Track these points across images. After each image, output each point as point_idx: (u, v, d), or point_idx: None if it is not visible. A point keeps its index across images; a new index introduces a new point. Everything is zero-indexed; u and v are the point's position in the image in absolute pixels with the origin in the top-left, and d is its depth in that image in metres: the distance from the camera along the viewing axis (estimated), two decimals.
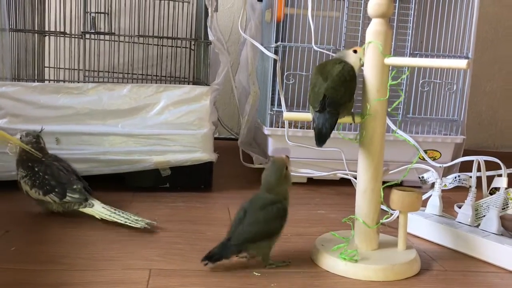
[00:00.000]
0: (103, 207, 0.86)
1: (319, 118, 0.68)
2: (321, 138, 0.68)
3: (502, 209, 0.83)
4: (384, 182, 0.74)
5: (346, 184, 1.15)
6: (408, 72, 0.75)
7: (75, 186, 0.87)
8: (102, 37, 1.17)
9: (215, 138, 1.09)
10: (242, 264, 0.71)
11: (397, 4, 1.13)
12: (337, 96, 0.68)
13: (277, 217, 0.69)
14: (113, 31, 1.11)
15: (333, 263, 0.70)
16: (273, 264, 0.70)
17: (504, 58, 1.83)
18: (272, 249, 0.70)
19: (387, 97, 0.70)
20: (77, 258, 0.70)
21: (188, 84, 1.25)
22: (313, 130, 1.10)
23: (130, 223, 0.82)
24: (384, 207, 0.76)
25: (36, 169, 0.88)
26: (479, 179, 0.88)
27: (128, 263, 0.69)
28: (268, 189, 0.70)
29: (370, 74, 0.71)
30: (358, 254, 0.70)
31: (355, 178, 0.77)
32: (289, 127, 1.12)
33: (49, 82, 1.24)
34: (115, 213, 0.85)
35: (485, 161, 0.88)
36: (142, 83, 1.24)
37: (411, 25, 1.14)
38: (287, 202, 0.71)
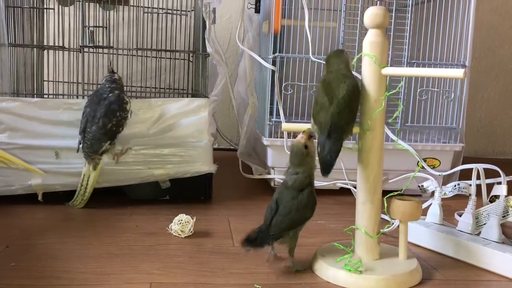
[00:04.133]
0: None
1: (325, 145, 0.68)
2: (327, 168, 0.68)
3: (503, 217, 0.83)
4: (384, 191, 0.74)
5: (346, 193, 1.15)
6: (402, 83, 0.75)
7: None
8: (100, 50, 1.18)
9: (214, 149, 1.09)
10: (242, 276, 0.71)
11: (393, 14, 1.14)
12: (341, 121, 0.68)
13: (308, 204, 0.72)
14: (111, 44, 1.11)
15: (334, 274, 0.70)
16: (293, 267, 0.73)
17: (501, 65, 1.84)
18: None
19: (382, 107, 0.70)
20: (77, 272, 0.70)
21: (187, 96, 1.25)
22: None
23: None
24: (384, 217, 0.76)
25: None
26: (478, 187, 0.88)
27: (128, 277, 0.69)
28: (294, 168, 0.72)
29: (368, 85, 0.71)
30: (362, 265, 0.70)
31: (355, 188, 0.77)
32: (288, 137, 1.12)
33: (48, 96, 1.25)
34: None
35: (484, 168, 0.88)
36: (141, 95, 1.24)
37: (408, 34, 1.15)
38: (313, 180, 0.73)
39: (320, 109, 0.69)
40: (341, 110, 0.68)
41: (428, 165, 1.13)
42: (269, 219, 0.71)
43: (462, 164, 1.10)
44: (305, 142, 0.71)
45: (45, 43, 1.22)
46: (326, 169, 0.68)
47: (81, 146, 0.94)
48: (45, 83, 1.27)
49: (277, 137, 1.16)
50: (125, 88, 1.24)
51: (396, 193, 0.75)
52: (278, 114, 1.12)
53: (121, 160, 0.98)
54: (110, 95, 0.93)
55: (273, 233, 0.70)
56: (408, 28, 1.15)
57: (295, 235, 0.72)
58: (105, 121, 0.92)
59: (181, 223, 0.86)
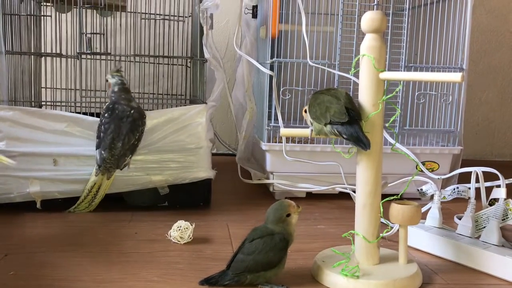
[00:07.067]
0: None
1: (348, 129, 0.69)
2: (363, 142, 0.68)
3: (502, 220, 0.83)
4: (383, 195, 0.74)
5: (345, 197, 1.15)
6: (400, 87, 0.75)
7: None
8: (98, 57, 1.18)
9: (213, 154, 1.09)
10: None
11: (390, 18, 1.14)
12: (354, 109, 0.70)
13: (275, 247, 0.68)
14: (108, 51, 1.11)
15: (334, 279, 0.70)
16: (268, 285, 0.69)
17: (498, 68, 1.84)
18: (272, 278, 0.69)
19: (379, 110, 0.71)
20: (77, 281, 0.70)
21: (185, 101, 1.25)
22: (312, 145, 1.10)
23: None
24: (384, 221, 0.76)
25: None
26: (478, 190, 0.88)
27: (128, 284, 0.69)
28: (268, 223, 0.70)
29: (365, 89, 0.71)
30: (359, 269, 0.70)
31: (354, 192, 0.77)
32: (286, 142, 1.12)
33: (46, 103, 1.25)
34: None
35: (483, 171, 0.88)
36: (138, 101, 1.24)
37: (405, 38, 1.15)
38: (291, 237, 0.70)
39: (329, 105, 0.70)
40: (351, 102, 0.71)
41: (427, 169, 1.13)
42: (233, 256, 0.69)
43: (461, 167, 1.10)
44: (294, 210, 0.69)
45: (42, 50, 1.22)
46: (364, 145, 0.68)
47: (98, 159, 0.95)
48: (43, 90, 1.27)
49: (276, 142, 1.15)
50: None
51: (394, 197, 0.75)
52: (276, 119, 1.12)
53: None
54: (132, 111, 0.95)
55: (232, 272, 0.67)
56: (405, 32, 1.15)
57: (254, 282, 0.68)
58: (130, 137, 0.94)
59: (180, 230, 0.85)
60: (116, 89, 0.96)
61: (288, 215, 0.69)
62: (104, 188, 0.97)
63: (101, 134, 0.94)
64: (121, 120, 0.94)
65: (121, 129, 0.93)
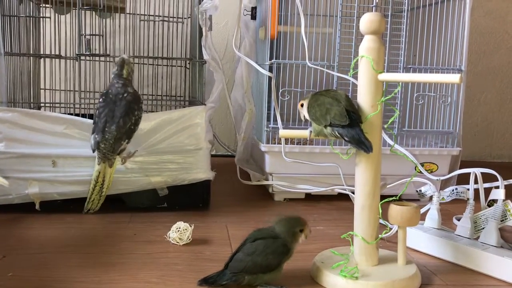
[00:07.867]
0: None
1: (349, 131, 0.69)
2: (365, 145, 0.68)
3: (501, 221, 0.83)
4: (382, 196, 0.74)
5: (344, 198, 1.15)
6: (399, 88, 0.75)
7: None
8: (97, 58, 1.18)
9: (212, 155, 1.09)
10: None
11: (389, 19, 1.14)
12: (355, 111, 0.71)
13: (276, 252, 0.67)
14: (107, 52, 1.11)
15: (333, 280, 0.70)
16: (267, 286, 0.69)
17: (496, 69, 1.84)
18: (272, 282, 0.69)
19: (377, 111, 0.71)
20: (75, 282, 0.70)
21: (184, 103, 1.26)
22: (310, 146, 1.10)
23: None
24: (382, 222, 0.76)
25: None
26: (476, 191, 0.88)
27: (127, 285, 0.69)
28: (278, 229, 0.69)
29: (364, 90, 0.71)
30: (358, 270, 0.70)
31: (353, 193, 0.77)
32: (286, 143, 1.12)
33: (44, 105, 1.25)
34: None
35: (482, 172, 0.89)
36: None
37: (403, 39, 1.15)
38: (294, 244, 0.69)
39: (330, 107, 0.70)
40: (351, 104, 0.71)
41: (426, 170, 1.13)
42: (232, 255, 0.68)
43: (459, 168, 1.10)
44: (306, 230, 0.69)
45: (41, 52, 1.22)
46: (367, 147, 0.68)
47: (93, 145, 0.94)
48: (42, 91, 1.27)
49: (275, 143, 1.16)
50: None
51: (393, 198, 0.75)
52: (275, 120, 1.12)
53: (127, 163, 0.98)
54: (126, 94, 0.94)
55: (231, 271, 0.67)
56: (404, 33, 1.15)
57: (252, 283, 0.67)
58: (126, 120, 0.92)
59: (179, 231, 0.85)
60: (112, 77, 0.97)
61: (301, 230, 0.69)
62: (108, 176, 0.96)
63: (96, 118, 0.94)
64: (115, 104, 0.93)
65: (115, 112, 0.92)
